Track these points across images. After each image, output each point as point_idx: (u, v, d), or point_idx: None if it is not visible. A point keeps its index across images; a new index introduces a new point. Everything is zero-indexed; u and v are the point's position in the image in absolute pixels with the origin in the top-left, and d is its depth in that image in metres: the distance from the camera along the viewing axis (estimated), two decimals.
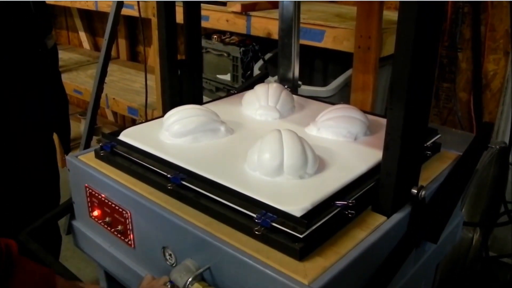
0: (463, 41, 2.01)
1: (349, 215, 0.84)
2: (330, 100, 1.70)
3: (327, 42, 1.68)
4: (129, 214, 0.98)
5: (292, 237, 0.76)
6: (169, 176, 0.93)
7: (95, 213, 1.08)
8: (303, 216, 0.78)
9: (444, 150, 1.16)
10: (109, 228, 1.05)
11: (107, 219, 1.04)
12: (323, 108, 1.28)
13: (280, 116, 1.21)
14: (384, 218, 0.89)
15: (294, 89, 1.51)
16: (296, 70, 1.49)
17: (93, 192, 1.06)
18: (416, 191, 0.91)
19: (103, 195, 1.03)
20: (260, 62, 1.96)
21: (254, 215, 0.80)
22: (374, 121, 1.16)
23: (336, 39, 1.65)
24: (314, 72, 2.16)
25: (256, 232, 0.78)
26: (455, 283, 1.59)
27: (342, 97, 1.73)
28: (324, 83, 2.07)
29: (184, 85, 1.29)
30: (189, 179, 0.91)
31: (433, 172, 1.06)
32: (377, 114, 1.29)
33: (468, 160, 1.10)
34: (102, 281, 1.22)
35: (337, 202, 0.83)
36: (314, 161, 0.91)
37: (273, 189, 0.86)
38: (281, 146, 0.90)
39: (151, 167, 0.98)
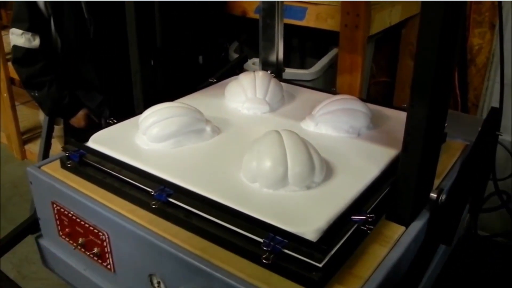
0: None
1: (368, 231, 0.72)
2: (313, 84, 1.59)
3: (310, 20, 1.54)
4: (106, 236, 0.84)
5: (308, 265, 0.65)
6: (152, 192, 0.79)
7: (66, 233, 0.93)
8: (320, 240, 0.66)
9: (448, 140, 1.06)
10: (83, 250, 0.90)
11: (80, 240, 0.90)
12: (316, 97, 1.16)
13: (270, 109, 1.08)
14: (402, 228, 0.78)
15: (278, 74, 1.38)
16: (280, 53, 1.35)
17: (62, 210, 0.91)
18: (435, 195, 0.81)
19: (74, 214, 0.89)
20: (235, 44, 1.80)
21: (261, 240, 0.67)
22: (372, 111, 1.04)
23: (319, 16, 1.51)
24: (291, 53, 2.02)
25: (265, 261, 0.66)
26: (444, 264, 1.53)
27: (326, 80, 1.61)
28: (302, 65, 1.94)
29: (158, 77, 1.13)
30: (177, 195, 0.78)
31: (443, 168, 0.95)
32: (371, 101, 1.16)
33: (479, 152, 1.01)
34: None
35: (354, 217, 0.72)
36: (322, 167, 0.79)
37: (278, 204, 0.74)
38: (283, 152, 0.77)
39: (129, 180, 0.84)
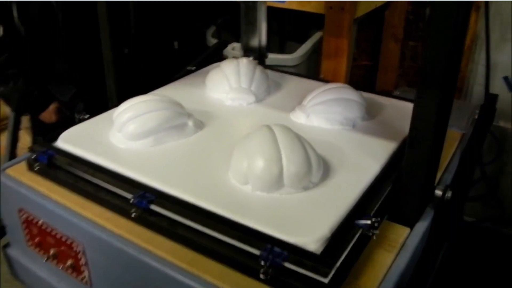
0: None
1: (374, 237, 0.66)
2: (296, 70, 1.51)
3: (292, 3, 1.46)
4: (81, 247, 0.76)
5: (312, 280, 0.58)
6: (131, 199, 0.70)
7: (35, 243, 0.84)
8: (325, 252, 0.59)
9: None
10: (55, 262, 0.82)
11: (51, 251, 0.81)
12: (304, 85, 1.08)
13: (256, 100, 0.99)
14: (406, 229, 0.72)
15: (261, 61, 1.29)
16: (263, 38, 1.26)
17: (30, 218, 0.82)
18: (441, 192, 0.74)
19: (43, 222, 0.80)
20: (213, 28, 1.71)
21: (257, 252, 0.60)
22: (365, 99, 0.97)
23: None
24: (270, 37, 1.93)
25: (262, 276, 0.59)
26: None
27: (309, 65, 1.54)
28: (281, 50, 1.86)
29: (133, 67, 1.04)
30: (159, 201, 0.70)
31: (442, 161, 0.89)
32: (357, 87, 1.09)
33: (476, 142, 0.95)
34: None
35: (358, 221, 0.65)
36: (319, 165, 0.71)
37: (274, 210, 0.66)
38: (277, 150, 0.69)
39: (105, 184, 0.75)
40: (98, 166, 0.78)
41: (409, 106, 0.98)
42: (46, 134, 0.89)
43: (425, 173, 0.68)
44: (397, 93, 1.07)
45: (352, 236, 0.63)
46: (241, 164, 0.71)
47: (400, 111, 0.95)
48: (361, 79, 2.05)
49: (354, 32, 1.64)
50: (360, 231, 0.64)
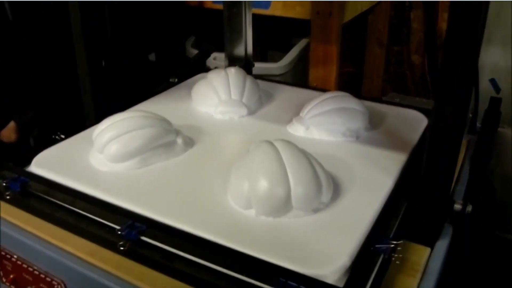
0: None
1: (397, 261, 0.59)
2: (282, 79, 1.44)
3: (276, 9, 1.39)
4: (62, 285, 0.67)
5: None
6: (118, 230, 0.62)
7: (10, 280, 0.74)
8: (348, 284, 0.51)
9: None
10: None
11: None
12: (297, 94, 1.02)
13: (248, 112, 0.92)
14: (427, 250, 0.65)
15: (247, 70, 1.22)
16: (249, 46, 1.19)
17: (3, 253, 0.72)
18: (460, 207, 0.68)
19: (18, 257, 0.70)
20: (192, 38, 1.63)
21: None
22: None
23: (286, 4, 1.37)
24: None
25: None
26: None
27: (296, 74, 1.47)
28: (263, 59, 1.79)
29: (110, 80, 0.95)
30: (151, 232, 0.61)
31: None
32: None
33: (483, 148, 0.90)
34: None
35: (378, 245, 0.58)
36: (329, 183, 0.64)
37: (284, 237, 0.59)
38: (282, 169, 0.62)
39: (86, 214, 0.67)
40: (78, 192, 0.69)
41: (413, 113, 0.93)
42: (6, 156, 0.79)
43: (445, 186, 0.62)
44: (396, 99, 1.01)
45: (374, 263, 0.56)
46: (242, 186, 0.63)
47: (404, 119, 0.89)
48: (346, 87, 2.00)
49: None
50: (381, 256, 0.57)
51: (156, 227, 0.61)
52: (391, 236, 0.60)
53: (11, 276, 0.75)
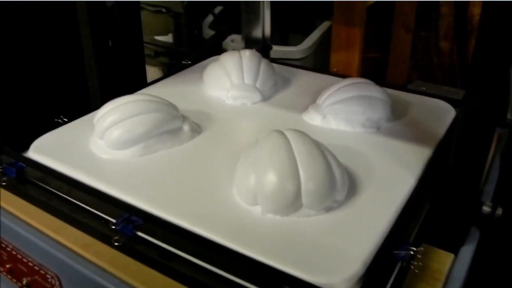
0: None
1: (416, 270, 0.53)
2: (303, 63, 1.38)
3: None
4: (56, 279, 0.63)
5: None
6: (113, 224, 0.57)
7: (7, 270, 0.71)
8: None
9: None
10: None
11: (24, 280, 0.68)
12: (316, 80, 0.95)
13: (262, 98, 0.86)
14: (450, 256, 0.59)
15: (265, 53, 1.16)
16: (267, 28, 1.13)
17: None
18: (489, 209, 0.61)
19: (13, 248, 0.67)
20: (210, 18, 1.57)
21: None
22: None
23: None
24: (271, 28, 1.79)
25: None
26: None
27: (317, 58, 1.40)
28: (283, 42, 1.72)
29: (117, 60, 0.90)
30: (148, 227, 0.56)
31: None
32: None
33: None
34: None
35: (397, 251, 0.52)
36: (344, 180, 0.58)
37: (291, 238, 0.53)
38: (293, 162, 0.56)
39: (82, 204, 0.62)
40: (75, 181, 0.65)
41: (440, 103, 0.86)
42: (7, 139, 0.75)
43: (473, 186, 0.56)
44: (422, 88, 0.94)
45: (391, 272, 0.50)
46: (248, 180, 0.57)
47: (430, 109, 0.82)
48: (370, 73, 1.92)
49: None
50: (399, 264, 0.52)
51: (154, 222, 0.57)
52: (411, 240, 0.54)
53: (8, 266, 0.72)
